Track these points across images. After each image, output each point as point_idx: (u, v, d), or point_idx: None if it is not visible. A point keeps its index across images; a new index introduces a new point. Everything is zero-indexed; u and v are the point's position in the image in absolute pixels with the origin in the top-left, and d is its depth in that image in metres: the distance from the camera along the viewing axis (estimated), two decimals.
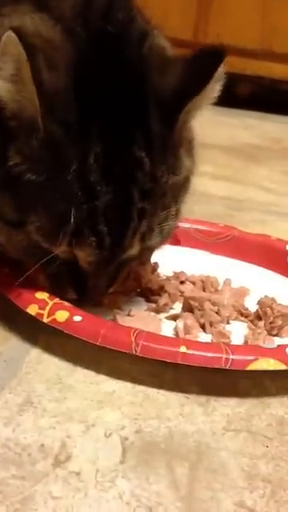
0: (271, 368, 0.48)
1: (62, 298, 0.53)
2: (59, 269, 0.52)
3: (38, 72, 0.45)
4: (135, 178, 0.48)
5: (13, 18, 0.49)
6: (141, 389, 0.48)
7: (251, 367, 0.48)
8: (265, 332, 0.56)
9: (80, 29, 0.49)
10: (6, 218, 0.50)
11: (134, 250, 0.52)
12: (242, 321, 0.58)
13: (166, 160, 0.50)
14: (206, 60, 0.50)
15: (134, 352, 0.48)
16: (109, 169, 0.48)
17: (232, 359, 0.48)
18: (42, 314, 0.51)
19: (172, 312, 0.59)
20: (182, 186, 0.54)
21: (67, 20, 0.49)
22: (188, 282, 0.63)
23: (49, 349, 0.52)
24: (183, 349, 0.48)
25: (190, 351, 0.48)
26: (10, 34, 0.44)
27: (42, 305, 0.52)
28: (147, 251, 0.55)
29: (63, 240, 0.48)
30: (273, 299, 0.58)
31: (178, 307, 0.60)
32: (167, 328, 0.56)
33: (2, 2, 0.52)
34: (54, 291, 0.53)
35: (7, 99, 0.47)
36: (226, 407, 0.47)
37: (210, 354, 0.48)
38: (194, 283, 0.63)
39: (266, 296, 0.59)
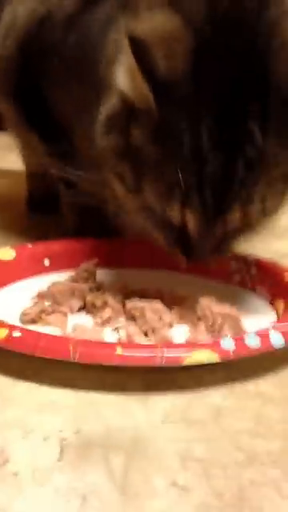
0: (206, 361, 0.49)
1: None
2: (171, 233, 0.59)
3: (148, 63, 0.52)
4: (243, 148, 0.52)
5: (145, 18, 0.57)
6: (82, 394, 0.49)
7: (187, 362, 0.49)
8: (205, 332, 0.57)
9: (203, 18, 0.54)
10: (126, 183, 0.58)
11: (234, 218, 0.55)
12: (183, 324, 0.60)
13: (280, 136, 0.53)
14: None
15: (72, 359, 0.50)
16: (218, 138, 0.52)
17: (166, 356, 0.49)
18: None
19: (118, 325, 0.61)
20: None
21: (190, 12, 0.55)
22: (131, 297, 0.65)
23: None
24: (119, 351, 0.50)
25: (126, 353, 0.50)
26: (124, 34, 0.54)
27: None
28: (248, 228, 0.58)
29: (174, 201, 0.55)
30: (211, 299, 0.60)
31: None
32: (112, 339, 0.58)
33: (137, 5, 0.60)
34: (169, 252, 0.61)
35: (127, 90, 0.55)
36: (165, 401, 0.48)
37: (145, 354, 0.50)
38: (136, 295, 0.64)
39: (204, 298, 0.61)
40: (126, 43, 0.52)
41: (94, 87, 0.65)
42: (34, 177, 1.03)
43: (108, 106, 0.59)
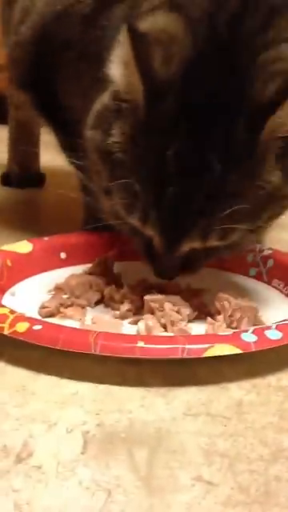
0: (226, 353, 0.49)
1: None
2: (141, 241, 0.59)
3: (145, 61, 0.51)
4: (201, 179, 0.51)
5: (148, 18, 0.56)
6: (103, 387, 0.49)
7: (207, 354, 0.49)
8: (224, 325, 0.57)
9: (204, 29, 0.53)
10: (102, 184, 0.58)
11: (196, 244, 0.55)
12: (202, 317, 0.60)
13: (241, 166, 0.51)
14: None
15: (93, 352, 0.50)
16: (182, 164, 0.51)
17: (188, 348, 0.49)
18: (3, 328, 0.53)
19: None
20: (267, 198, 0.53)
21: (194, 19, 0.54)
22: (150, 290, 0.65)
23: (13, 361, 0.53)
24: (141, 343, 0.49)
25: (148, 345, 0.49)
26: (124, 26, 0.51)
27: (3, 319, 0.53)
28: (213, 251, 0.57)
29: (134, 215, 0.55)
30: (229, 291, 0.59)
31: None
32: (131, 331, 0.57)
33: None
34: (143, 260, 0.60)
35: (119, 81, 0.54)
36: (187, 395, 0.48)
37: (166, 346, 0.49)
38: (155, 288, 0.64)
39: (221, 291, 0.60)
40: (124, 35, 0.51)
41: (100, 84, 0.66)
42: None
43: (99, 103, 0.58)
